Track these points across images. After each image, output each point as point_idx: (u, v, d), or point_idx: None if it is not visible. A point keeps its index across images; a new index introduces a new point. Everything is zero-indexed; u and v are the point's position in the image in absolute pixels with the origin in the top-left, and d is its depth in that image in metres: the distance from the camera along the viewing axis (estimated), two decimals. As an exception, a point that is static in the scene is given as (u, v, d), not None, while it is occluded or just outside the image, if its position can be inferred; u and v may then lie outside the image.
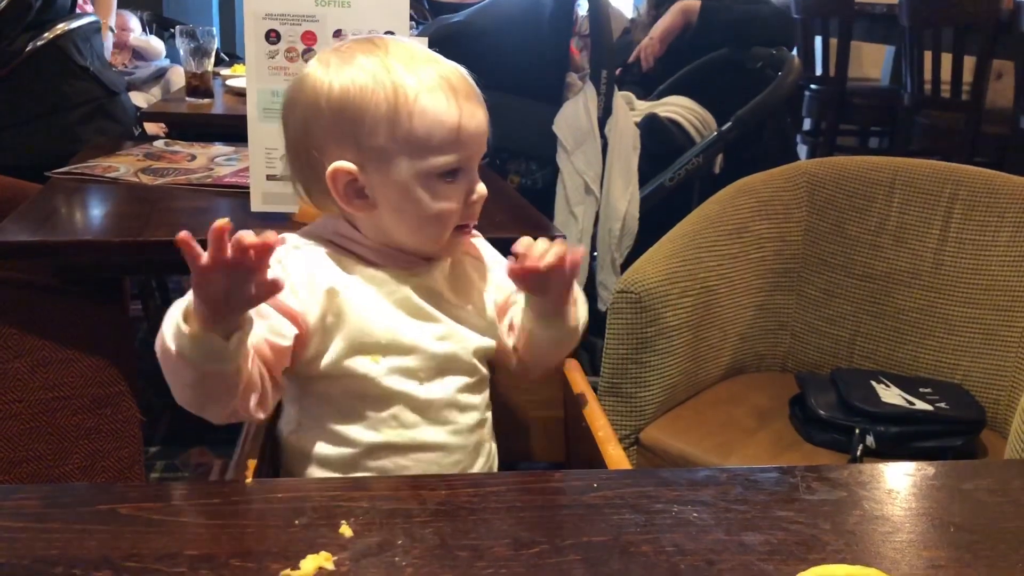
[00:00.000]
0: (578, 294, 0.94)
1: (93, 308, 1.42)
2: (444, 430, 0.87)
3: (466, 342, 0.89)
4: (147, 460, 2.04)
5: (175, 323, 0.73)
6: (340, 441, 0.86)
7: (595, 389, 1.44)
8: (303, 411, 0.89)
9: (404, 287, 0.87)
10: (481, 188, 0.86)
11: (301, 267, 0.84)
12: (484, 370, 0.93)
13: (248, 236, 0.68)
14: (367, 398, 0.85)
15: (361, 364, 0.84)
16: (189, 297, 0.72)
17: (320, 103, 0.83)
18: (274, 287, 0.72)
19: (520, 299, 0.94)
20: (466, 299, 0.91)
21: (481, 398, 0.93)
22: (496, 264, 0.96)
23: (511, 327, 0.96)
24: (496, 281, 0.95)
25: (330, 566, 0.59)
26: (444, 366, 0.88)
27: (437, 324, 0.88)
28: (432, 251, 0.88)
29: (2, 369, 1.31)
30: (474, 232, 0.94)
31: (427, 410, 0.86)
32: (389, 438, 0.85)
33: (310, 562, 0.59)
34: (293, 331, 0.81)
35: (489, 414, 0.95)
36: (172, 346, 0.73)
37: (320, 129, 0.84)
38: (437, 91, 0.81)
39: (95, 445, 1.37)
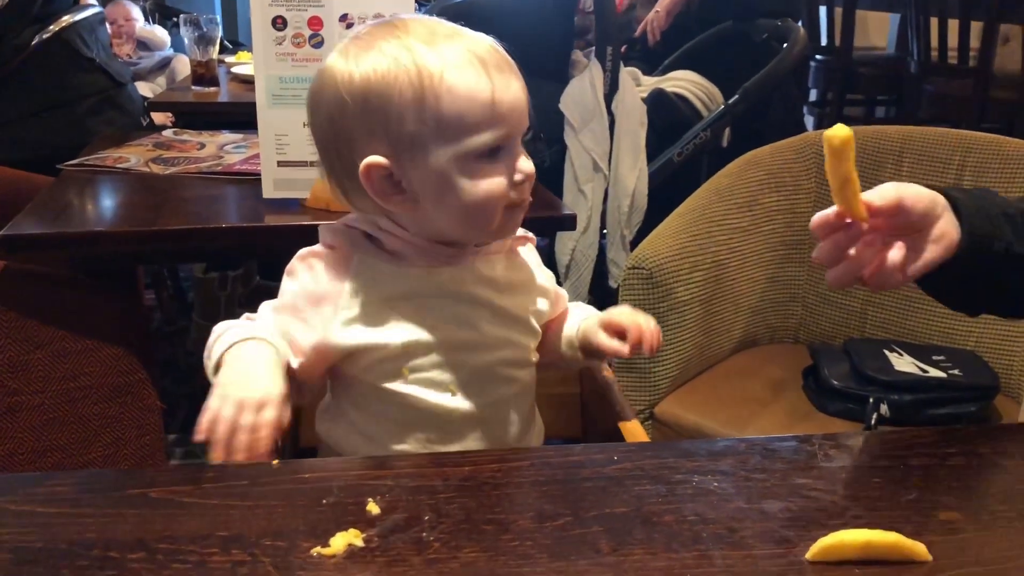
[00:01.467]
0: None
1: (109, 298, 1.44)
2: (476, 443, 0.84)
3: (504, 351, 0.85)
4: (166, 448, 2.06)
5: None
6: (369, 441, 0.84)
7: (609, 364, 1.44)
8: (335, 399, 0.88)
9: (440, 291, 0.82)
10: (526, 165, 0.79)
11: (323, 278, 0.81)
12: (525, 378, 0.89)
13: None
14: (395, 407, 0.82)
15: (387, 376, 0.81)
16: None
17: (343, 96, 0.77)
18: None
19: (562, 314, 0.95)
20: (509, 303, 0.86)
21: (519, 410, 0.88)
22: (540, 275, 0.92)
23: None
24: (539, 290, 0.91)
25: (359, 543, 0.60)
26: (479, 378, 0.83)
27: (472, 332, 0.83)
28: (485, 239, 0.83)
29: (23, 360, 1.33)
30: (528, 236, 0.91)
31: (458, 423, 0.83)
32: (415, 448, 0.82)
33: (340, 539, 0.60)
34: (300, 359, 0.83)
35: (533, 426, 0.92)
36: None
37: (347, 124, 0.78)
38: (464, 66, 0.75)
39: (117, 433, 1.39)
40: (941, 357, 1.49)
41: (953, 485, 0.69)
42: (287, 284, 0.84)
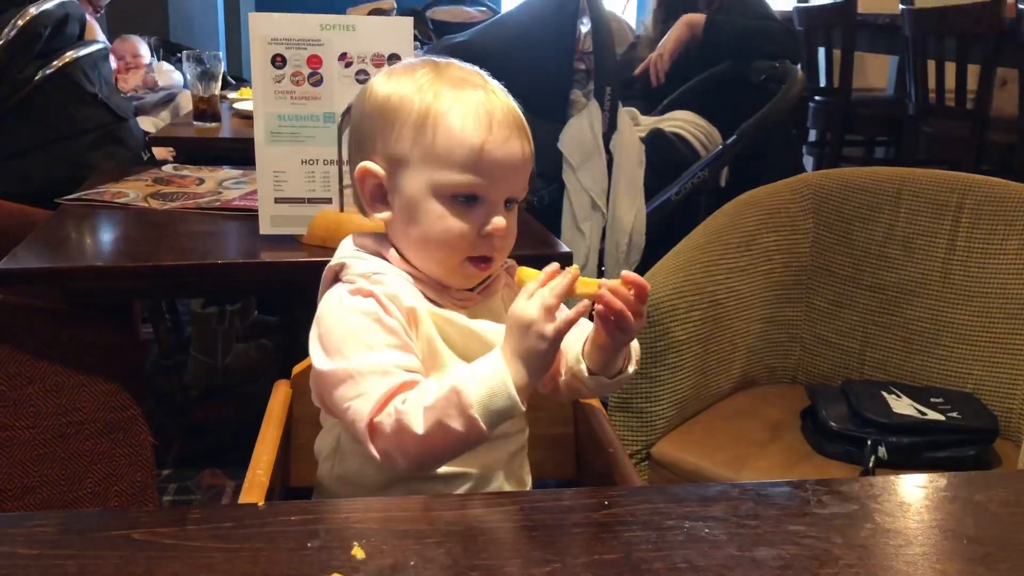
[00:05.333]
0: (634, 349, 0.89)
1: (104, 332, 1.43)
2: (484, 460, 0.86)
3: None
4: (159, 483, 2.05)
5: (510, 405, 0.74)
6: (378, 468, 0.83)
7: (605, 404, 1.44)
8: (344, 436, 0.89)
9: (460, 323, 0.85)
10: (499, 222, 0.82)
11: (394, 302, 0.82)
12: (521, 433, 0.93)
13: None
14: None
15: None
16: (506, 377, 0.74)
17: (365, 106, 0.85)
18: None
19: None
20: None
21: (520, 425, 0.92)
22: None
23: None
24: None
25: (343, 588, 0.59)
26: None
27: None
28: (442, 277, 0.85)
29: (15, 395, 1.32)
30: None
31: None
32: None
33: (323, 584, 0.59)
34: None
35: (526, 438, 0.94)
36: (486, 426, 0.74)
37: (361, 131, 0.86)
38: (470, 113, 0.81)
39: (108, 469, 1.38)
40: (940, 399, 1.48)
41: (948, 533, 0.68)
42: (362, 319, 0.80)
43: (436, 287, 0.85)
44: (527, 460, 0.96)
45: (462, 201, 0.81)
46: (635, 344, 0.88)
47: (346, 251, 0.87)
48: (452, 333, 0.84)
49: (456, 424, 0.73)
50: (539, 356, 0.75)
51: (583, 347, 0.87)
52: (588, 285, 0.79)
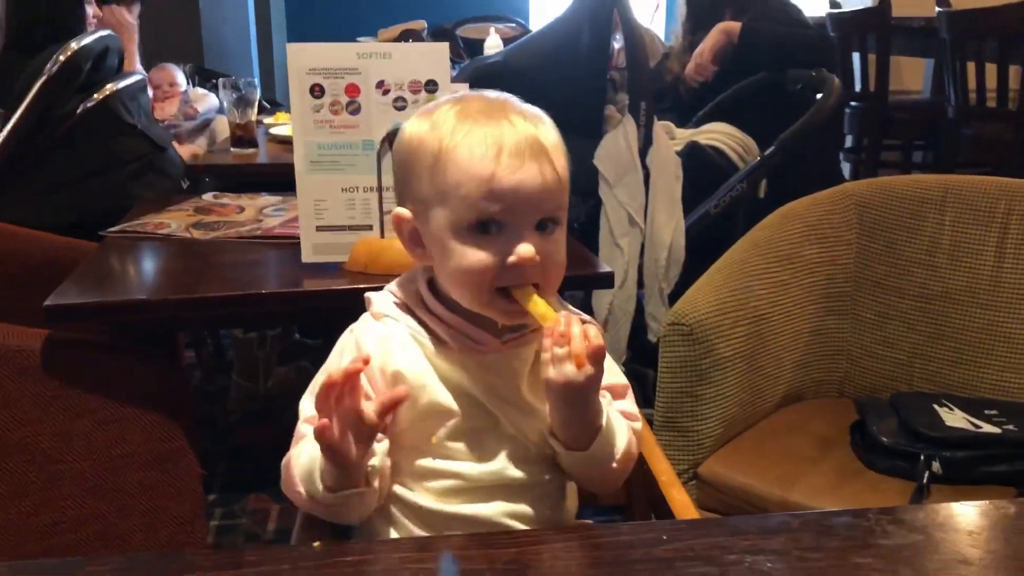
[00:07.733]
0: (614, 420, 0.85)
1: (150, 364, 1.44)
2: (501, 511, 0.82)
3: (525, 446, 0.85)
4: (206, 508, 2.06)
5: (316, 492, 0.80)
6: (398, 502, 0.83)
7: (649, 421, 1.42)
8: None
9: (472, 379, 0.84)
10: (523, 250, 0.79)
11: (374, 347, 0.85)
12: (540, 475, 0.86)
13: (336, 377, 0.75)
14: (422, 471, 0.84)
15: (418, 450, 0.84)
16: (314, 464, 0.80)
17: (398, 151, 0.87)
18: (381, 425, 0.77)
19: None
20: (535, 399, 0.85)
21: (549, 478, 0.86)
22: None
23: None
24: None
25: (403, 632, 0.58)
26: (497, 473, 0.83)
27: (489, 422, 0.84)
28: (480, 311, 0.83)
29: (66, 428, 1.33)
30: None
31: (479, 491, 0.83)
32: (444, 508, 0.82)
33: (383, 628, 0.58)
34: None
35: (564, 493, 0.89)
36: (321, 503, 0.81)
37: (397, 176, 0.88)
38: (477, 145, 0.79)
39: (157, 501, 1.38)
40: (994, 411, 1.45)
41: (1021, 563, 0.66)
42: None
43: (454, 330, 0.84)
44: (562, 503, 0.89)
45: (479, 232, 0.79)
46: (618, 424, 0.86)
47: (388, 285, 0.91)
48: (454, 380, 0.84)
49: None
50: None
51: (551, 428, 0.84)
52: (548, 312, 0.80)
